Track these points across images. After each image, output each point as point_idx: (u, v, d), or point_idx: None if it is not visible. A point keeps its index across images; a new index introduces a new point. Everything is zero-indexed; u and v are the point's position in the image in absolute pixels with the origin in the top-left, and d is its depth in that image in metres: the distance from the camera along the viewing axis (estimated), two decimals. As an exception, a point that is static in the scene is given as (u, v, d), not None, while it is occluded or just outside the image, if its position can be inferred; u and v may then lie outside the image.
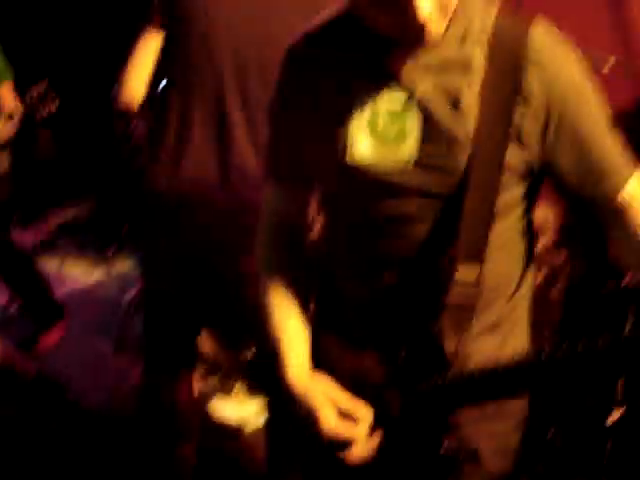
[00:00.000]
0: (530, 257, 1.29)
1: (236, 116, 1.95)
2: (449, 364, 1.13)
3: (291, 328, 1.31)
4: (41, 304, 3.60)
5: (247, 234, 1.50)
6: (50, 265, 4.24)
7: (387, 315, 1.25)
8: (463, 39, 1.11)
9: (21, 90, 3.25)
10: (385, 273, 1.22)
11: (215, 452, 2.67)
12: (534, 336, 1.33)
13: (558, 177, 1.14)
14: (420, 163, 1.12)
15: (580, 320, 1.80)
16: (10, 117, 2.98)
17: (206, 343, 2.96)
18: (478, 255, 1.12)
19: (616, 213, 1.15)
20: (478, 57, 1.10)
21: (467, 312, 1.14)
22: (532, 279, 1.33)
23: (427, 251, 1.17)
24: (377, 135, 1.14)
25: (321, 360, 1.29)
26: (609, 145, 1.13)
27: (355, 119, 1.14)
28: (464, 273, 1.12)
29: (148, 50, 2.01)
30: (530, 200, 1.21)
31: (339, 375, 1.24)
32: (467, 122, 1.09)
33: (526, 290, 1.29)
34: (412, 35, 1.05)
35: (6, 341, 2.84)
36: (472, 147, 1.09)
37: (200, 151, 1.98)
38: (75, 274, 4.18)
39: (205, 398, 2.94)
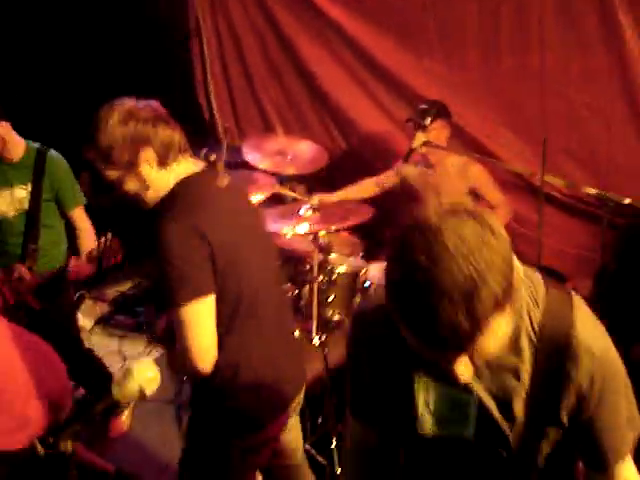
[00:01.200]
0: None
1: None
2: None
3: None
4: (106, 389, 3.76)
5: None
6: (110, 343, 4.44)
7: None
8: (516, 339, 1.27)
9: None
10: None
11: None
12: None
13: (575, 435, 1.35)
14: (476, 439, 1.36)
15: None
16: (91, 256, 2.92)
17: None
18: None
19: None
20: (527, 357, 1.27)
21: None
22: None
23: None
24: (441, 419, 1.37)
25: None
26: (618, 434, 1.35)
27: (421, 399, 1.36)
28: None
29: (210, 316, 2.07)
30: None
31: None
32: (516, 421, 1.31)
33: None
34: None
35: (83, 440, 3.10)
36: (517, 436, 1.32)
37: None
38: (133, 353, 4.29)
39: None
